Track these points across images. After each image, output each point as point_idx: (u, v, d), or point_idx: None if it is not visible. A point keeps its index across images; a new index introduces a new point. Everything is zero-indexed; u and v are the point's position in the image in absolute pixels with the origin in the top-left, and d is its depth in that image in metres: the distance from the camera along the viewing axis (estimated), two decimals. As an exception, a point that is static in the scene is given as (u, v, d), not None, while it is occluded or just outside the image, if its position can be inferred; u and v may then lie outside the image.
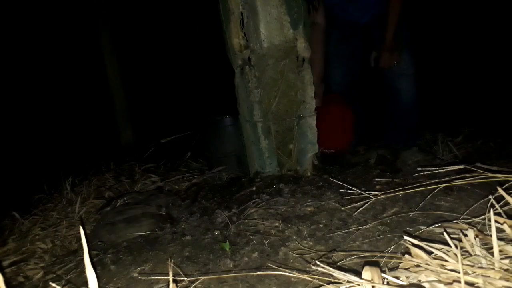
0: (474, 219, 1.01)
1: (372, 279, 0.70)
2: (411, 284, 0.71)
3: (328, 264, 0.85)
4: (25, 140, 4.16)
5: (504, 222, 0.85)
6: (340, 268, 0.84)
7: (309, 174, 1.84)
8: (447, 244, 0.79)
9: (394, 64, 2.03)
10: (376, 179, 1.62)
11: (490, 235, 0.77)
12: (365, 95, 2.38)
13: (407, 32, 2.06)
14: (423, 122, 2.30)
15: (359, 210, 1.28)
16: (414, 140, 2.19)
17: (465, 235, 0.83)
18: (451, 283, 0.68)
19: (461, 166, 1.17)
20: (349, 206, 1.33)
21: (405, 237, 0.87)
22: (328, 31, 2.19)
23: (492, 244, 0.75)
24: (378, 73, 2.17)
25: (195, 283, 0.96)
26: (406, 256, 0.82)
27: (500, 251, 0.75)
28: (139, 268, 1.13)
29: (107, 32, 3.85)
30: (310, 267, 0.97)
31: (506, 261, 0.72)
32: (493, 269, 0.70)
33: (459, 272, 0.67)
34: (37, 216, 1.87)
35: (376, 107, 2.46)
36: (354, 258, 0.98)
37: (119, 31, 3.98)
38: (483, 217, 0.97)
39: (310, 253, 1.06)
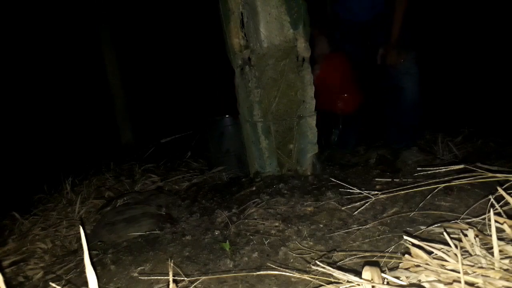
0: (474, 219, 1.01)
1: (372, 279, 0.70)
2: (411, 284, 0.71)
3: (328, 264, 0.85)
4: (25, 141, 4.16)
5: (504, 222, 0.85)
6: (340, 268, 0.84)
7: (309, 174, 1.84)
8: (447, 244, 0.79)
9: (401, 62, 2.05)
10: (376, 179, 1.62)
11: (490, 235, 0.77)
12: (365, 95, 2.38)
13: (411, 31, 2.08)
14: (423, 122, 2.30)
15: (359, 210, 1.28)
16: (415, 139, 2.19)
17: (465, 235, 0.83)
18: (451, 283, 0.68)
19: (461, 166, 1.17)
20: (349, 206, 1.33)
21: (405, 237, 0.87)
22: (330, 29, 2.19)
23: (492, 244, 0.75)
24: (381, 72, 2.17)
25: (195, 283, 0.96)
26: (406, 256, 0.82)
27: (500, 251, 0.75)
28: (139, 268, 1.13)
29: (107, 32, 3.85)
30: (310, 267, 0.97)
31: (506, 261, 0.72)
32: (493, 269, 0.70)
33: (459, 272, 0.67)
34: (37, 216, 1.87)
35: (376, 107, 2.46)
36: (354, 258, 0.98)
37: (119, 31, 3.98)
38: (483, 217, 0.97)
39: (310, 253, 1.06)
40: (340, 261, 0.99)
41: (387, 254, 0.94)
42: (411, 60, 2.08)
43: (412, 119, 2.19)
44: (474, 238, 0.81)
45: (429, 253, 0.80)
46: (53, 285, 0.78)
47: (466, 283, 0.66)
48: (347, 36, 2.23)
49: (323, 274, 0.82)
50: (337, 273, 0.77)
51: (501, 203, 0.96)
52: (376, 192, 1.29)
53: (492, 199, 0.96)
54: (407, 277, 0.75)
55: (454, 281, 0.69)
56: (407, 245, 0.84)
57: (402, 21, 2.00)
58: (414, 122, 2.19)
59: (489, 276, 0.68)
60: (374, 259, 0.95)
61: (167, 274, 0.84)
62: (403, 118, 2.21)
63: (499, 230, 0.83)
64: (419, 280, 0.72)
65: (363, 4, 2.11)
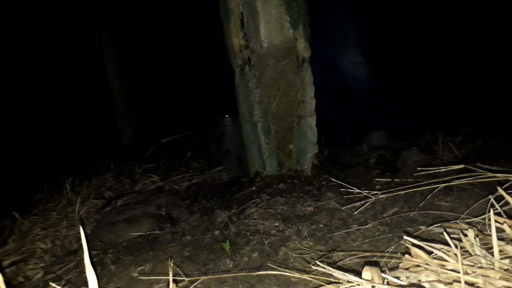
0: (474, 219, 1.01)
1: (372, 279, 0.70)
2: (411, 284, 0.71)
3: (328, 264, 0.85)
4: (26, 141, 4.16)
5: (504, 222, 0.85)
6: (340, 268, 0.84)
7: (309, 174, 1.84)
8: (447, 244, 0.79)
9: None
10: (376, 179, 1.62)
11: (490, 235, 0.77)
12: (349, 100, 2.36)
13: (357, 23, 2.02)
14: (423, 122, 2.30)
15: (359, 210, 1.28)
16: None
17: (465, 235, 0.83)
18: (451, 283, 0.68)
19: (461, 166, 1.17)
20: (349, 206, 1.33)
21: (405, 237, 0.87)
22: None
23: (492, 244, 0.75)
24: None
25: (195, 283, 0.96)
26: (406, 256, 0.82)
27: (500, 251, 0.75)
28: (139, 268, 1.13)
29: (107, 31, 3.86)
30: (310, 267, 0.97)
31: (506, 261, 0.72)
32: (493, 269, 0.70)
33: (459, 272, 0.67)
34: (37, 216, 1.87)
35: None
36: (354, 258, 0.98)
37: (120, 30, 3.98)
38: (483, 217, 0.97)
39: (310, 253, 1.06)
40: (340, 261, 0.99)
41: (387, 254, 0.94)
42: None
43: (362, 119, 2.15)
44: (474, 238, 0.81)
45: (429, 253, 0.80)
46: (53, 285, 0.78)
47: (466, 283, 0.66)
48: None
49: (323, 274, 0.82)
50: (337, 273, 0.77)
51: (501, 203, 0.96)
52: (376, 192, 1.29)
53: (492, 199, 0.96)
54: (407, 277, 0.75)
55: (454, 281, 0.69)
56: (407, 245, 0.84)
57: None
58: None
59: (489, 276, 0.68)
60: (374, 259, 0.94)
61: (167, 274, 0.84)
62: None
63: (499, 230, 0.83)
64: (419, 280, 0.72)
65: None
